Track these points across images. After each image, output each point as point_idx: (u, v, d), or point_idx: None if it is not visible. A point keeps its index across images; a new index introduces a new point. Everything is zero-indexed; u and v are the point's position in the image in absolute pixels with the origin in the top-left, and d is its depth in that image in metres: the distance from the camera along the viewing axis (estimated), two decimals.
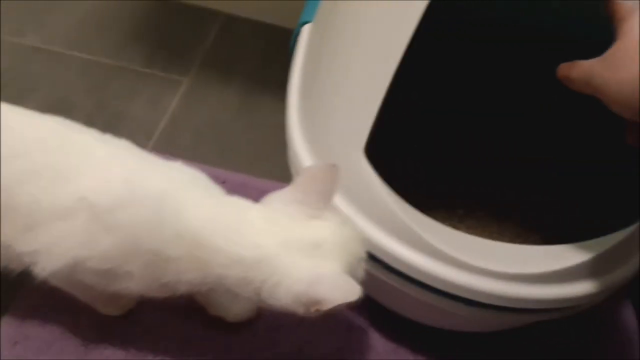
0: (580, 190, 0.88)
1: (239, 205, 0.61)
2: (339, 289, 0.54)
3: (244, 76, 1.15)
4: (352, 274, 0.57)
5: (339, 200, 0.67)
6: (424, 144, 0.94)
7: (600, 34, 0.56)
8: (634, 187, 0.75)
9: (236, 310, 0.76)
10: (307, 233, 0.58)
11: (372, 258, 0.67)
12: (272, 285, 0.57)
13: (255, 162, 1.00)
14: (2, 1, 1.17)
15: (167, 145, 0.99)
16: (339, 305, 0.53)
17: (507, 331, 0.80)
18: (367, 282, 0.79)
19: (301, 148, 0.74)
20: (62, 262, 0.58)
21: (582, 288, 0.67)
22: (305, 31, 0.85)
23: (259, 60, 1.19)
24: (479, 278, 0.65)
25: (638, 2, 0.54)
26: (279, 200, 0.60)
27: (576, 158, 0.90)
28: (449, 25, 0.58)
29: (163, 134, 1.01)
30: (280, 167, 0.96)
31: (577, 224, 0.81)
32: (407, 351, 0.79)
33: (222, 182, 0.66)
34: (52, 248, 0.58)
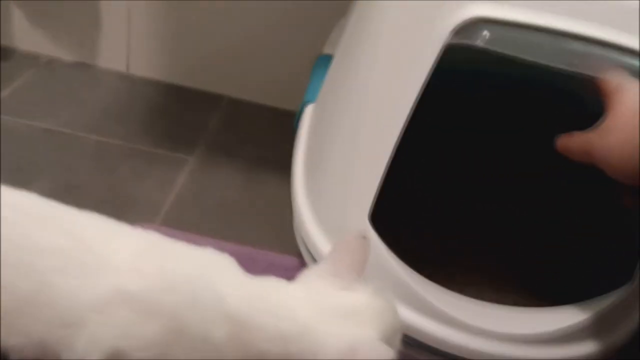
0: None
1: (275, 283, 0.63)
2: (373, 352, 0.55)
3: (248, 155, 1.20)
4: (388, 343, 0.58)
5: None
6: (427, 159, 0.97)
7: None
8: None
9: None
10: (342, 304, 0.59)
11: None
12: (310, 355, 0.57)
13: (261, 236, 1.03)
14: (17, 89, 1.23)
15: (174, 221, 1.02)
16: None
17: None
18: None
19: (308, 219, 0.78)
20: (104, 355, 0.57)
21: (582, 349, 0.69)
22: (308, 110, 0.90)
23: (262, 140, 1.25)
24: (485, 341, 0.68)
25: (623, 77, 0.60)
26: (313, 275, 0.62)
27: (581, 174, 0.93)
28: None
29: (171, 211, 1.05)
30: (284, 241, 1.00)
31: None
32: None
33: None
34: (93, 340, 0.58)
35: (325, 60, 0.91)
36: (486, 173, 0.98)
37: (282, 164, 1.11)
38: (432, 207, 0.98)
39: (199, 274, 0.61)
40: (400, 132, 0.66)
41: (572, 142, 0.61)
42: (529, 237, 0.95)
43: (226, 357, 0.59)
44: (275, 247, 0.99)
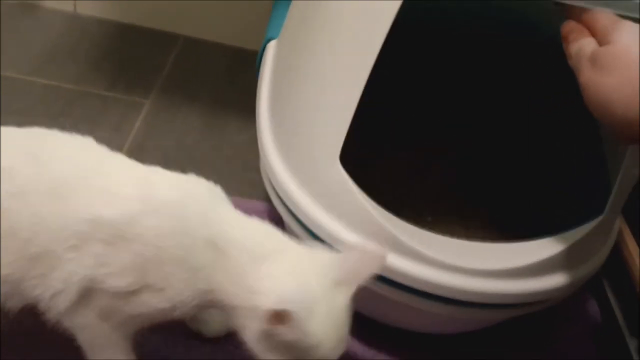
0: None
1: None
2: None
3: (207, 97, 1.16)
4: None
5: (319, 211, 0.69)
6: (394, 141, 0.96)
7: None
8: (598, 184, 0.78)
9: (215, 325, 0.76)
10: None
11: None
12: None
13: (222, 181, 1.00)
14: None
15: None
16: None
17: (478, 332, 0.82)
18: None
19: (275, 161, 0.75)
20: (79, 286, 0.56)
21: (555, 281, 0.69)
22: (271, 47, 0.86)
23: (220, 80, 1.21)
24: (457, 276, 0.67)
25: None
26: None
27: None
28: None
29: (128, 156, 1.00)
30: (248, 184, 0.98)
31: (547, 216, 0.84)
32: (387, 357, 0.80)
33: None
34: (67, 273, 0.56)
35: None
36: (452, 108, 0.96)
37: (243, 105, 1.08)
38: (401, 146, 0.96)
39: (181, 197, 0.59)
40: (371, 67, 0.63)
41: (572, 46, 0.56)
42: (497, 172, 0.94)
43: (206, 281, 0.57)
44: (238, 191, 0.97)
